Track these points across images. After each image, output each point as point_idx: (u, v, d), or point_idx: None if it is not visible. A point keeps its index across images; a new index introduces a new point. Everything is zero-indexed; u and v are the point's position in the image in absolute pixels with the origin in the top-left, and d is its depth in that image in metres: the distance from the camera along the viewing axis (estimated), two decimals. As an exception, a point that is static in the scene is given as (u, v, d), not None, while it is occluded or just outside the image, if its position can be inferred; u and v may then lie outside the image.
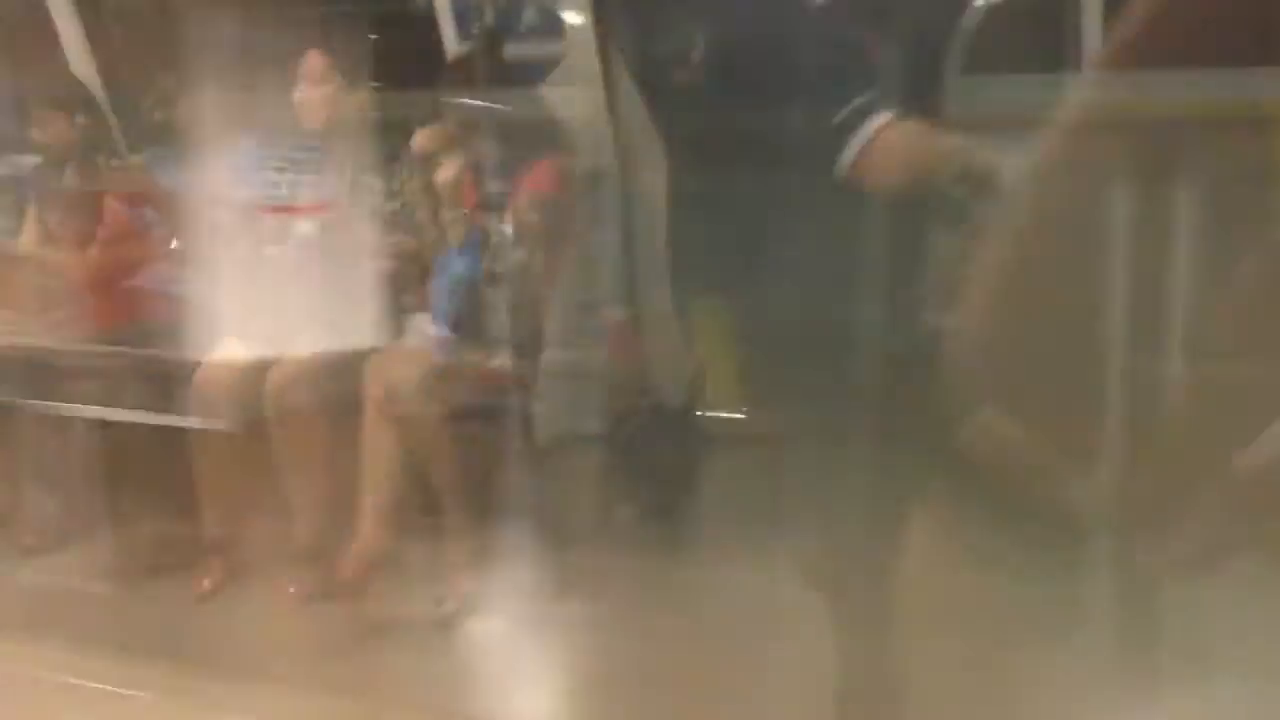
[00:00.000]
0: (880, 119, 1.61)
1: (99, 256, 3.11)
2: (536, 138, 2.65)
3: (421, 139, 2.59)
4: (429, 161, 2.57)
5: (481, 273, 2.55)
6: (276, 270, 2.68)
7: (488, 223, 2.59)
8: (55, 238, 3.17)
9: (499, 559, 2.55)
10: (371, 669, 2.38)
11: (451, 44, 3.09)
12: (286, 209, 2.80)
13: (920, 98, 1.73)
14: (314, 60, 2.68)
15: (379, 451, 2.55)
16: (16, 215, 3.36)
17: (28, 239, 3.23)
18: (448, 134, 2.59)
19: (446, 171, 2.52)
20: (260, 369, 2.63)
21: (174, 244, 2.95)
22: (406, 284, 2.80)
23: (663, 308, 2.69)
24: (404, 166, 2.72)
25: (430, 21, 3.08)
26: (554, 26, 2.99)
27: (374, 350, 2.68)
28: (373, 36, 2.77)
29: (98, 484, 3.05)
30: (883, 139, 1.61)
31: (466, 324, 2.54)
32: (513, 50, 2.90)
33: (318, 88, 2.69)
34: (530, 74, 2.81)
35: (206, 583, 2.73)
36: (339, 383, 2.63)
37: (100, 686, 2.39)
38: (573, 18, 2.87)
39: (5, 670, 2.43)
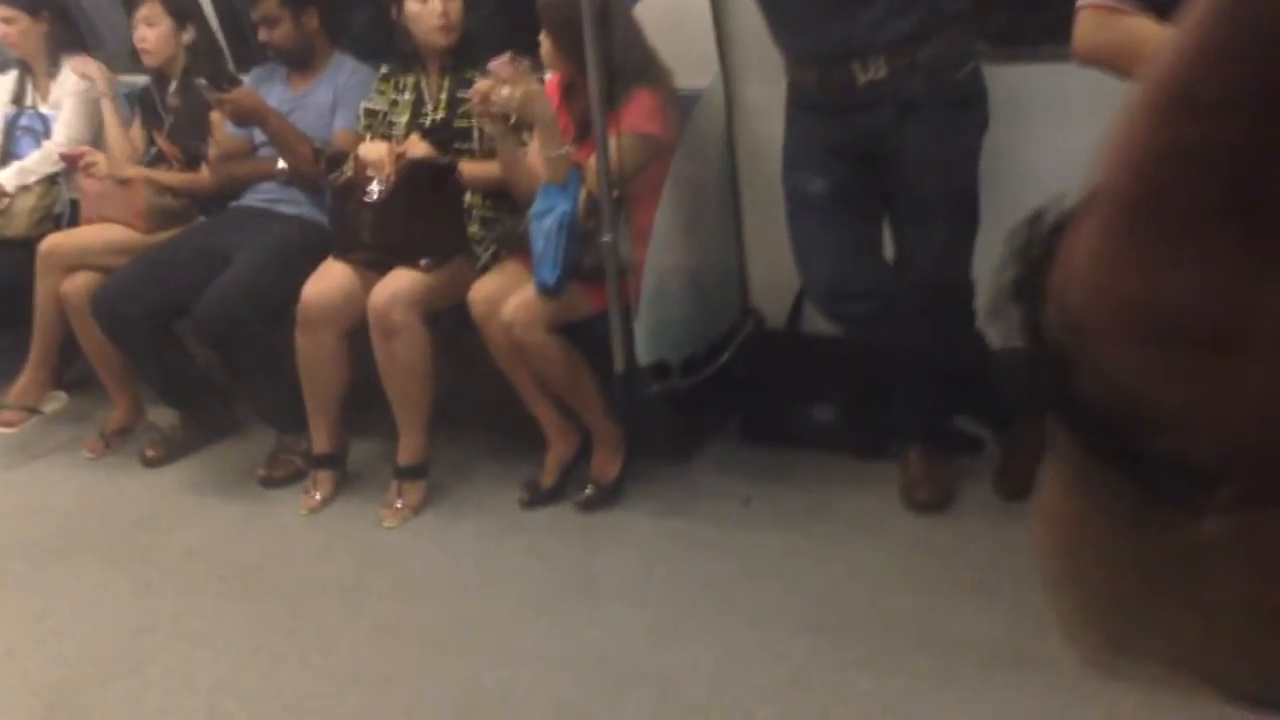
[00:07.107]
0: None
1: (208, 176, 3.16)
2: (632, 64, 2.48)
3: (496, 66, 2.47)
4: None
5: (578, 212, 2.45)
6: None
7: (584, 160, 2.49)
8: (165, 156, 3.22)
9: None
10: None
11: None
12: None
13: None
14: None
15: (518, 373, 2.59)
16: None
17: (118, 154, 3.23)
18: (518, 64, 2.46)
19: (502, 95, 2.39)
20: (364, 287, 2.65)
21: (280, 164, 2.97)
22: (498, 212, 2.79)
23: (767, 227, 2.66)
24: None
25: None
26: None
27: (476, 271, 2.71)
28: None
29: (216, 399, 3.13)
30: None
31: (573, 264, 2.47)
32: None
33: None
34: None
35: (317, 496, 2.78)
36: (440, 302, 2.65)
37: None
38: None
39: (110, 587, 2.53)
